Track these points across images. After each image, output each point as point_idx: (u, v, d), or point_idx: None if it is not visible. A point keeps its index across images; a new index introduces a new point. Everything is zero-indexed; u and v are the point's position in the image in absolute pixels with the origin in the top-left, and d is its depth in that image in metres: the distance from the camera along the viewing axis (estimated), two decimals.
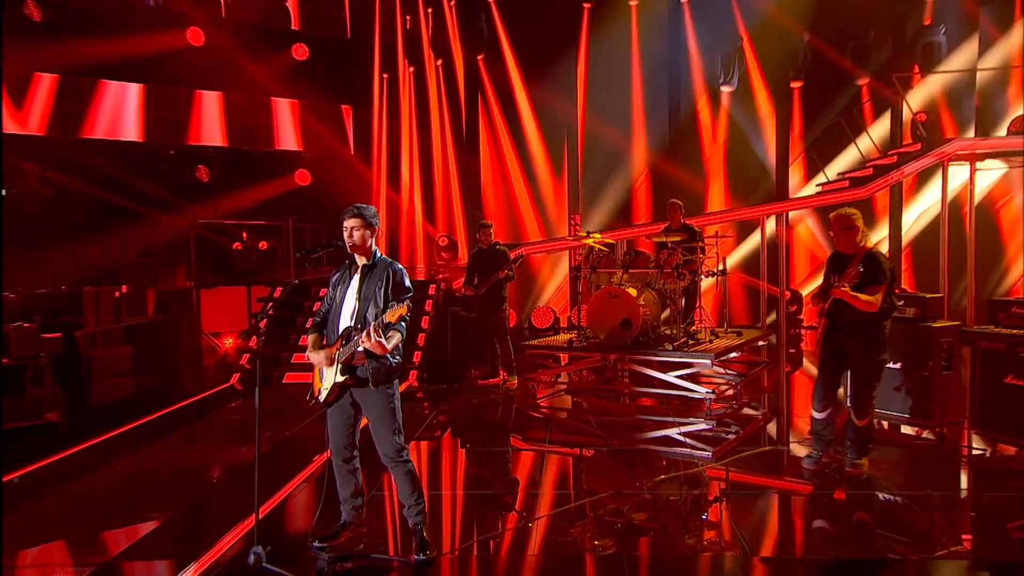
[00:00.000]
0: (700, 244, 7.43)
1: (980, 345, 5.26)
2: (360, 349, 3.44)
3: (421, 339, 8.52)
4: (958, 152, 8.91)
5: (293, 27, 12.70)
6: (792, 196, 11.19)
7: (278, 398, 7.62)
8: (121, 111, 11.37)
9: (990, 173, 9.74)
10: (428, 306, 8.93)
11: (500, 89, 12.68)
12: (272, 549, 3.50)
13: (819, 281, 4.95)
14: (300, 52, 12.34)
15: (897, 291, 5.22)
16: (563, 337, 7.98)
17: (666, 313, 7.35)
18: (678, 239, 7.26)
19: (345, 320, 3.59)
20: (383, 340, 3.36)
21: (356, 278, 3.63)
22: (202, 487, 5.05)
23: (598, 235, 7.77)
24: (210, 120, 12.14)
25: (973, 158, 8.94)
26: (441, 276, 9.72)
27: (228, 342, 10.42)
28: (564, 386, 7.80)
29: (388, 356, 3.49)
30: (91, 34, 10.15)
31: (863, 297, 4.47)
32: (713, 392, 6.39)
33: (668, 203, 8.08)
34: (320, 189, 12.55)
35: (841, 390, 5.06)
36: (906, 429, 5.80)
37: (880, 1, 10.82)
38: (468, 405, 7.20)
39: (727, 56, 11.73)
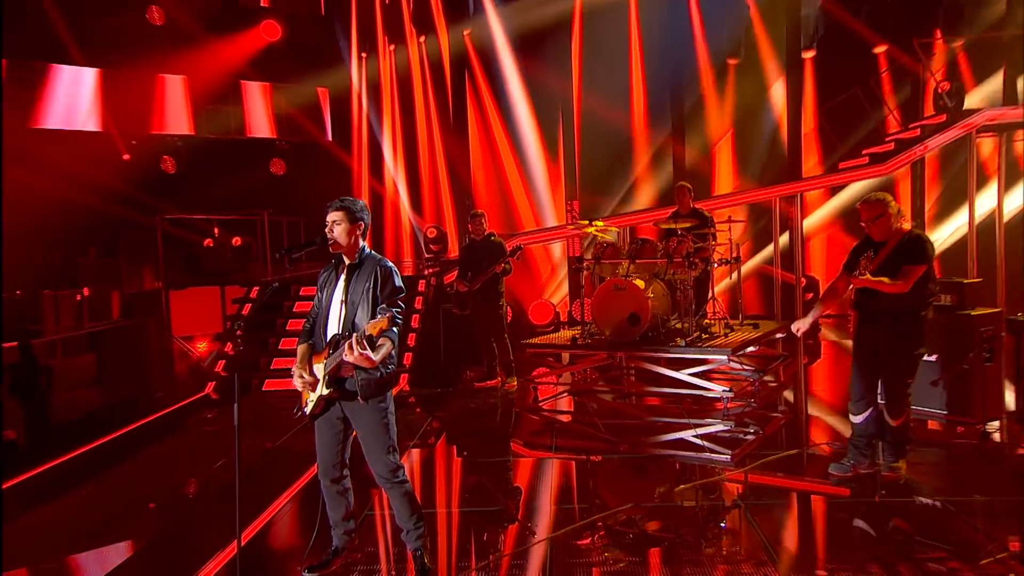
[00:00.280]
0: (712, 230, 7.32)
1: None
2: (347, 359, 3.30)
3: (412, 340, 8.42)
4: (986, 123, 8.83)
5: (263, 3, 12.49)
6: (806, 176, 11.09)
7: (258, 407, 7.51)
8: (75, 98, 11.14)
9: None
10: (418, 303, 8.82)
11: (489, 67, 12.57)
12: None
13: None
14: (271, 31, 12.18)
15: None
16: (565, 334, 7.89)
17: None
18: (688, 225, 7.15)
19: (333, 326, 3.45)
20: (369, 352, 3.20)
21: (342, 279, 3.49)
22: (177, 511, 4.92)
23: (601, 223, 7.65)
24: (175, 107, 11.96)
25: (1003, 129, 8.87)
26: (431, 271, 9.61)
27: (201, 346, 10.31)
28: (567, 387, 7.71)
29: (380, 366, 3.34)
30: (40, 14, 9.93)
31: (887, 280, 4.32)
32: (731, 390, 6.28)
33: (676, 186, 7.96)
34: (297, 179, 12.49)
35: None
36: (942, 427, 5.72)
37: None
38: (464, 410, 7.12)
39: (733, 26, 11.59)
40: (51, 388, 7.76)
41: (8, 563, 4.10)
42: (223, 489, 5.09)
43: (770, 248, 10.34)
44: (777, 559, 3.75)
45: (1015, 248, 9.01)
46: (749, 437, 5.78)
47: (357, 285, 3.42)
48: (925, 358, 5.07)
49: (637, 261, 7.02)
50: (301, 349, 3.57)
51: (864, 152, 10.48)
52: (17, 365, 7.50)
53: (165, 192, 11.17)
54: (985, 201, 9.30)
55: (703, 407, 6.58)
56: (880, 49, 11.15)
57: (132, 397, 8.53)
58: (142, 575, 3.97)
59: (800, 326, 4.82)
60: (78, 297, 9.17)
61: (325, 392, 3.42)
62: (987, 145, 9.68)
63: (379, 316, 3.23)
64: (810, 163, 11.55)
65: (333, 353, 3.36)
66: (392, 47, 13.08)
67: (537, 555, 3.89)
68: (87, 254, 10.53)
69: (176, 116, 12.00)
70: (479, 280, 7.50)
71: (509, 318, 8.05)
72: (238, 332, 5.19)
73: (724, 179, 12.06)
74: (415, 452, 5.89)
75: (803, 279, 10.51)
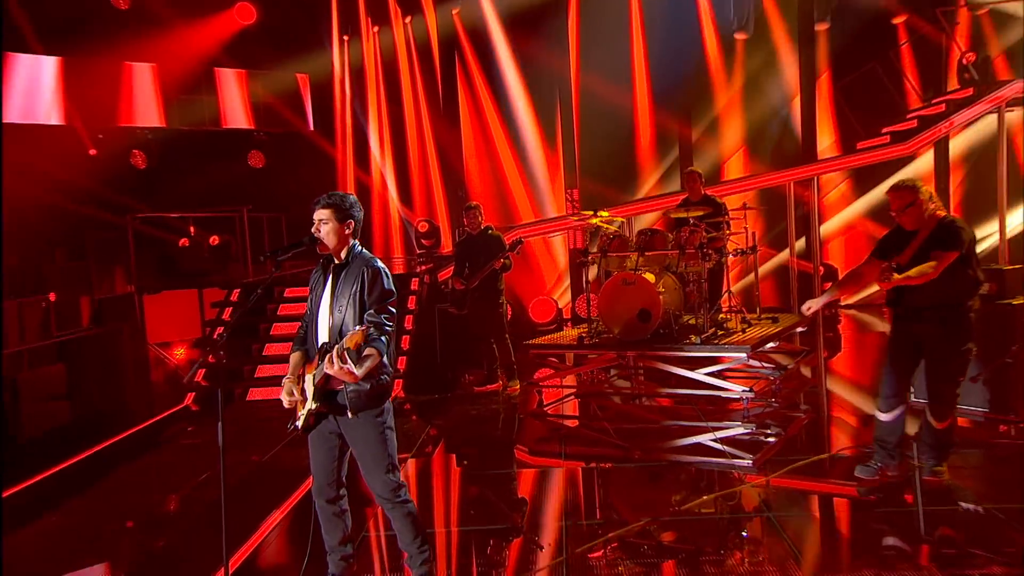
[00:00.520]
0: (725, 218, 7.26)
1: None
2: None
3: (406, 342, 8.35)
4: (1017, 96, 8.77)
5: None
6: (821, 157, 11.01)
7: (242, 418, 7.44)
8: (35, 90, 10.99)
9: None
10: (411, 303, 8.75)
11: (480, 47, 12.48)
12: None
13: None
14: (245, 13, 12.05)
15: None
16: (570, 333, 7.84)
17: None
18: (700, 213, 7.09)
19: (322, 334, 3.35)
20: (350, 366, 3.10)
21: (329, 282, 3.39)
22: (157, 536, 4.83)
23: (606, 212, 7.59)
24: (144, 97, 11.87)
25: None
26: (424, 268, 9.54)
27: (179, 353, 10.23)
28: (572, 389, 7.66)
29: (370, 377, 3.24)
30: None
31: (915, 271, 4.21)
32: (751, 390, 6.22)
33: (685, 172, 7.93)
34: (277, 172, 12.42)
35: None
36: (983, 426, 5.64)
37: None
38: (464, 417, 7.06)
39: None
40: (17, 403, 7.65)
41: None
42: (207, 511, 5.00)
43: (799, 242, 10.25)
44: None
45: None
46: (771, 439, 5.73)
47: (344, 288, 3.33)
48: None
49: (647, 253, 6.96)
50: (294, 358, 3.49)
51: (884, 131, 10.41)
52: None
53: (136, 189, 11.06)
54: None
55: (718, 408, 6.55)
56: (900, 19, 11.06)
57: (105, 411, 8.45)
58: None
59: (812, 305, 4.73)
60: (44, 304, 9.06)
61: (314, 407, 3.32)
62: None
63: (359, 326, 3.14)
64: (825, 144, 11.48)
65: (321, 364, 3.26)
66: (376, 28, 12.96)
67: None
68: (53, 257, 10.41)
69: (145, 107, 11.86)
70: (477, 277, 7.44)
71: (509, 316, 7.98)
72: (221, 343, 5.08)
73: (733, 162, 11.99)
74: (412, 463, 5.81)
75: (821, 268, 10.47)
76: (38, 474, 6.03)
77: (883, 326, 9.96)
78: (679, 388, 6.70)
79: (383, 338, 3.24)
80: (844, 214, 11.62)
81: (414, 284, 9.05)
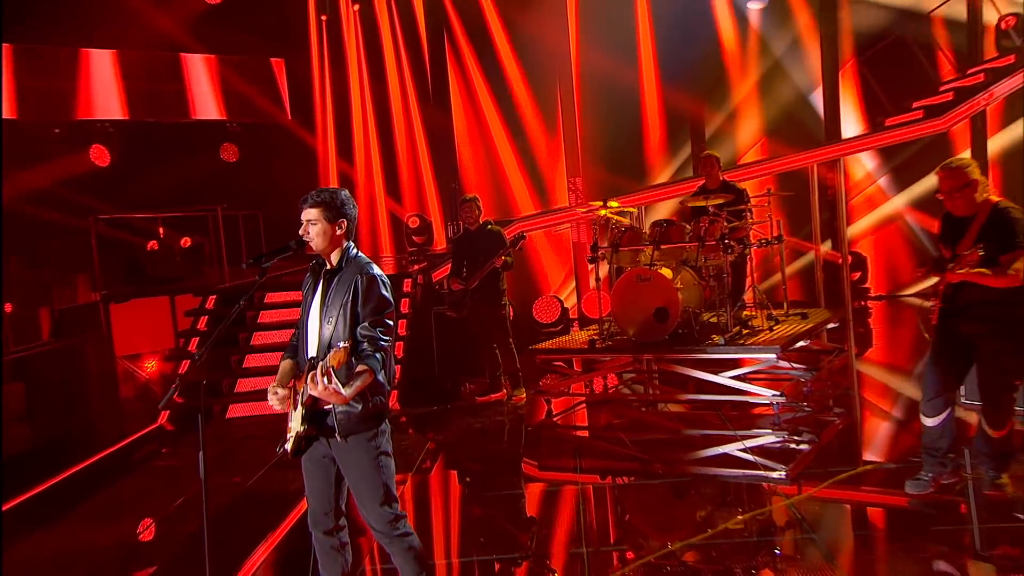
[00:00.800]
0: (748, 206, 7.21)
1: None
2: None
3: (400, 349, 8.30)
4: None
5: None
6: (845, 137, 10.96)
7: (222, 438, 7.35)
8: None
9: None
10: (405, 306, 8.70)
11: (471, 24, 12.45)
12: None
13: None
14: None
15: None
16: (579, 335, 7.82)
17: None
18: (720, 202, 7.03)
19: (312, 346, 3.26)
20: (336, 385, 3.00)
21: (320, 288, 3.29)
22: (131, 573, 4.76)
23: (616, 203, 7.56)
24: (104, 87, 11.82)
25: None
26: (417, 267, 9.50)
27: (150, 366, 10.16)
28: (585, 397, 7.63)
29: (360, 399, 3.14)
30: None
31: (992, 271, 4.10)
32: (782, 394, 6.18)
33: (701, 156, 7.92)
34: (253, 166, 12.40)
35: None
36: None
37: None
38: (466, 430, 7.03)
39: None
40: None
41: None
42: (188, 543, 4.92)
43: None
44: None
45: None
46: (804, 447, 5.69)
47: (335, 297, 3.23)
48: None
49: (662, 247, 6.94)
50: (283, 366, 3.41)
51: (915, 105, 10.35)
52: None
53: (98, 188, 11.00)
54: None
55: (742, 414, 6.53)
56: None
57: (69, 433, 8.40)
58: None
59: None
60: None
61: (301, 429, 3.22)
62: None
63: (343, 344, 3.03)
64: (850, 121, 11.44)
65: (308, 382, 3.16)
66: (356, 7, 12.97)
67: None
68: (7, 264, 10.35)
69: (106, 98, 11.84)
70: (477, 276, 7.38)
71: (511, 318, 7.93)
72: (201, 360, 4.98)
73: (750, 144, 11.94)
74: (409, 482, 5.75)
75: (850, 257, 10.43)
76: None
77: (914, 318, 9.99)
78: (700, 394, 6.70)
79: (378, 355, 3.13)
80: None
81: (407, 285, 9.02)
